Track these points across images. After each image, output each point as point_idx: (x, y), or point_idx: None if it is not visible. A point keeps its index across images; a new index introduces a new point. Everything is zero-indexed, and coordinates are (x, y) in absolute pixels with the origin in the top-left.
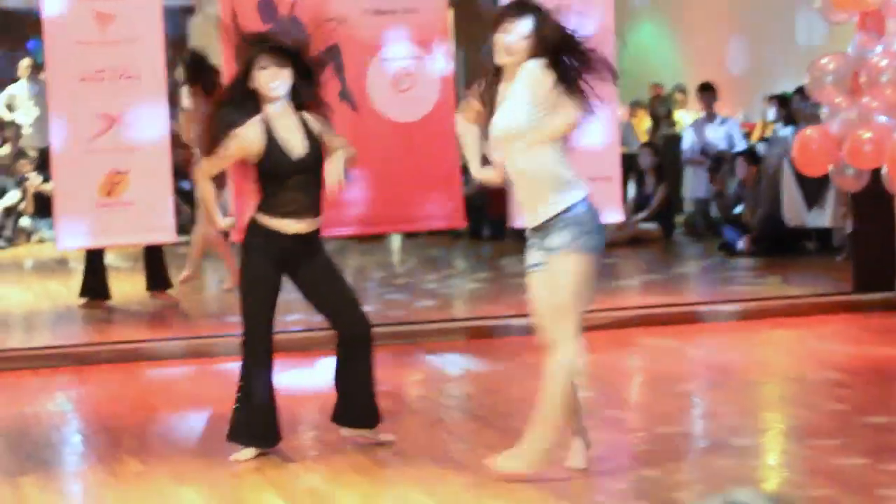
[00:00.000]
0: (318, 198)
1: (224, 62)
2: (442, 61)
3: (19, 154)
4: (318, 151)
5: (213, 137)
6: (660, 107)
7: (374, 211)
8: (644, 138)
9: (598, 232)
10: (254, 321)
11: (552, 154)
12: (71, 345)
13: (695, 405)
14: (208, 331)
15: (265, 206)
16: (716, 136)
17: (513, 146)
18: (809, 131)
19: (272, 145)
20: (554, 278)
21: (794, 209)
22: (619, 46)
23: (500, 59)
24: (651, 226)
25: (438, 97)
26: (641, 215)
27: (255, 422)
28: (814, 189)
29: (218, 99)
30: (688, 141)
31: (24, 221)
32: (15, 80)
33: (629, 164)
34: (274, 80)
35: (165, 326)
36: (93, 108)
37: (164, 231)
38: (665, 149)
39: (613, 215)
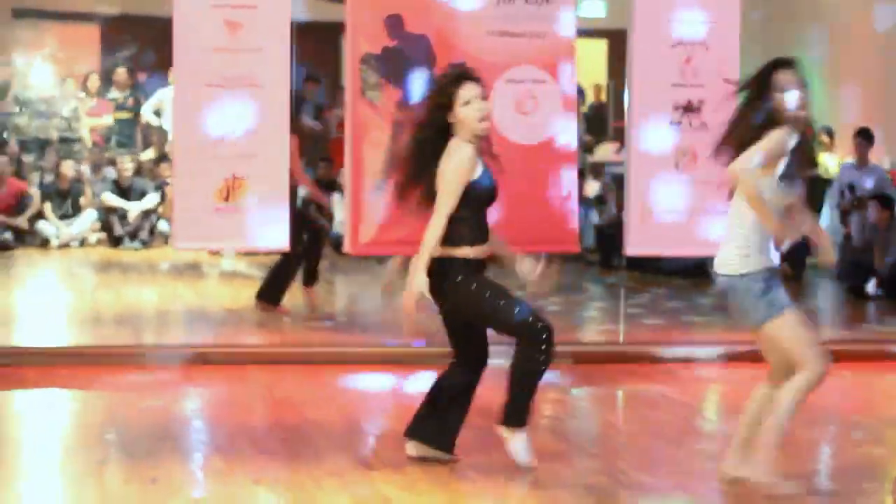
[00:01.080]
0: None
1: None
2: (566, 86)
3: (162, 158)
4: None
5: (417, 170)
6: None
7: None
8: None
9: None
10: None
11: None
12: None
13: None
14: (320, 339)
15: (460, 238)
16: (867, 182)
17: None
18: None
19: (480, 175)
20: None
21: None
22: None
23: (800, 112)
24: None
25: (560, 122)
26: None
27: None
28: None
29: (418, 131)
30: (840, 185)
31: (162, 225)
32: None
33: None
34: (482, 112)
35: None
36: (217, 114)
37: (277, 239)
38: (807, 190)
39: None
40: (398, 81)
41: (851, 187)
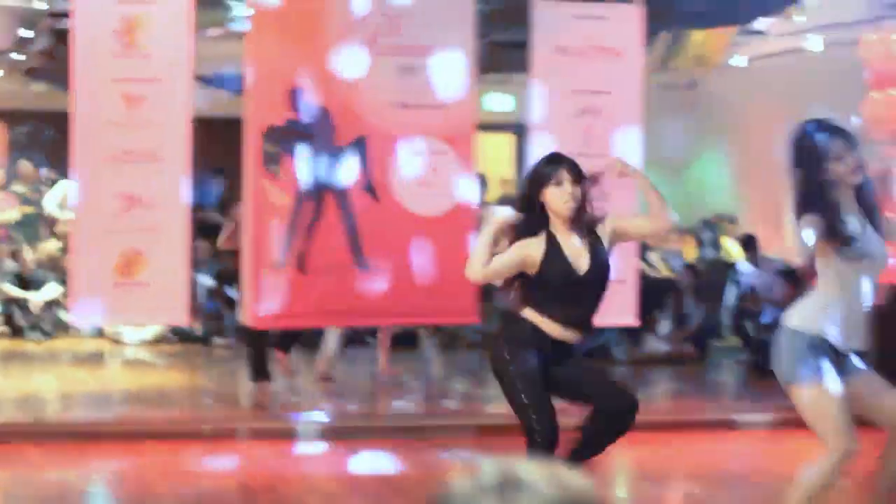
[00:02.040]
0: (590, 315)
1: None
2: (467, 158)
3: (65, 249)
4: (601, 270)
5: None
6: (706, 232)
7: (390, 303)
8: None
9: None
10: (540, 413)
11: None
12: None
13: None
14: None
15: (536, 308)
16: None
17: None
18: None
19: (554, 257)
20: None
21: None
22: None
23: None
24: (686, 346)
25: (460, 191)
26: (679, 334)
27: None
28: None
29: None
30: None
31: (64, 315)
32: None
33: (673, 288)
34: (569, 198)
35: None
36: (115, 187)
37: (177, 313)
38: (710, 273)
39: (627, 318)
40: (299, 153)
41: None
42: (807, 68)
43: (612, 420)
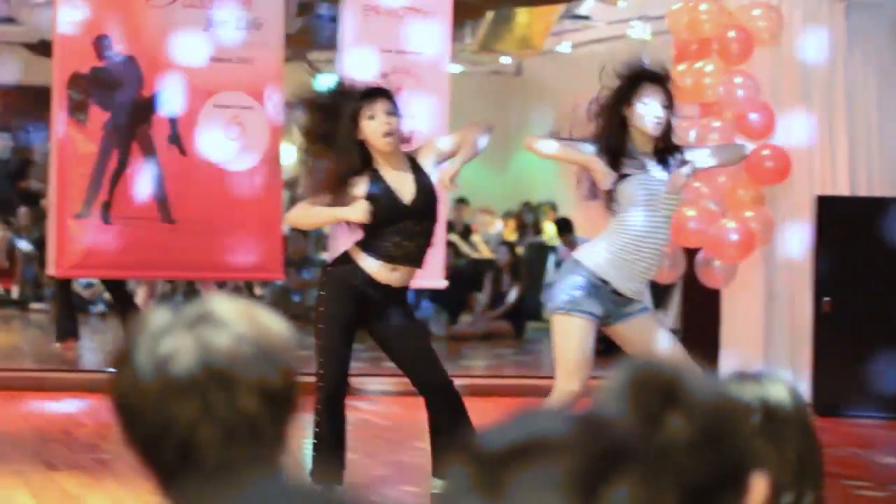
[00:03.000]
0: (423, 248)
1: None
2: (273, 112)
3: None
4: (427, 198)
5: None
6: (527, 215)
7: (195, 257)
8: None
9: None
10: (329, 359)
11: None
12: None
13: None
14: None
15: (364, 246)
16: None
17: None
18: None
19: (379, 191)
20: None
21: None
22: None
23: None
24: (502, 323)
25: (267, 148)
26: (495, 312)
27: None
28: (658, 292)
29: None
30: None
31: None
32: None
33: (490, 267)
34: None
35: None
36: None
37: None
38: (530, 255)
39: (436, 281)
40: (106, 102)
41: None
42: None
43: (431, 397)
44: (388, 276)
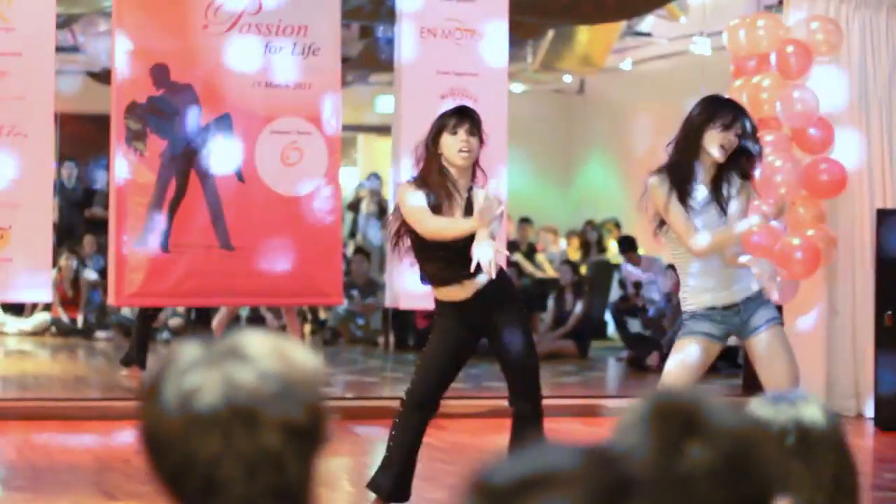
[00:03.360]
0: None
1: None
2: (331, 137)
3: None
4: None
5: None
6: (591, 233)
7: (255, 283)
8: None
9: None
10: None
11: None
12: None
13: None
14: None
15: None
16: (644, 276)
17: None
18: None
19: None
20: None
21: None
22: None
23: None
24: (566, 342)
25: (325, 172)
26: (559, 332)
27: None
28: None
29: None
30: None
31: None
32: None
33: (554, 286)
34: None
35: None
36: None
37: (40, 292)
38: (593, 273)
39: None
40: (163, 130)
41: (636, 284)
42: (693, 71)
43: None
44: (457, 295)
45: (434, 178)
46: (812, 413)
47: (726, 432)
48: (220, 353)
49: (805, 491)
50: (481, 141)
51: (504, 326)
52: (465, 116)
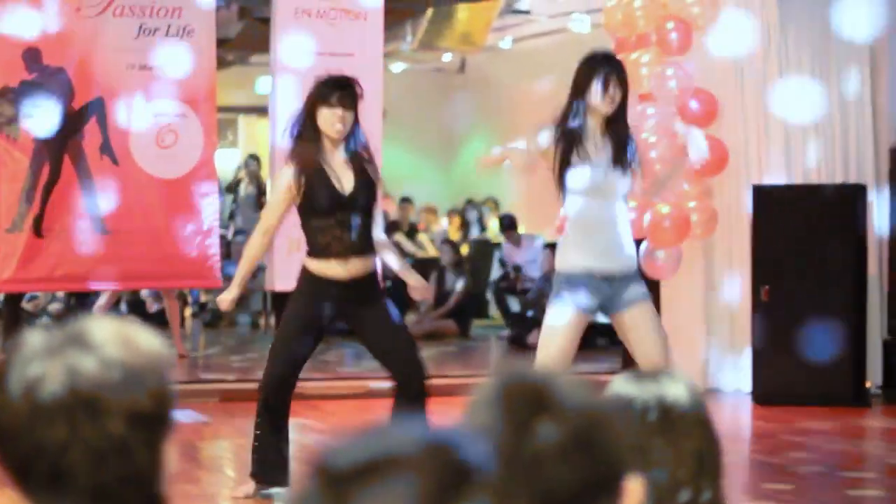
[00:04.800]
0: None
1: None
2: (207, 119)
3: None
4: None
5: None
6: (471, 212)
7: (131, 267)
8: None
9: None
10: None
11: None
12: None
13: None
14: None
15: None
16: (521, 256)
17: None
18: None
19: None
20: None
21: None
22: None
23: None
24: (447, 322)
25: (201, 155)
26: (440, 311)
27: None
28: None
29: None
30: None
31: None
32: None
33: (435, 266)
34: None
35: None
36: None
37: None
38: (474, 252)
39: None
40: (36, 115)
41: (516, 268)
42: (573, 49)
43: (403, 391)
44: (339, 273)
45: (306, 151)
46: (675, 390)
47: (576, 411)
48: (64, 341)
49: (667, 467)
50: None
51: (374, 321)
52: (345, 91)
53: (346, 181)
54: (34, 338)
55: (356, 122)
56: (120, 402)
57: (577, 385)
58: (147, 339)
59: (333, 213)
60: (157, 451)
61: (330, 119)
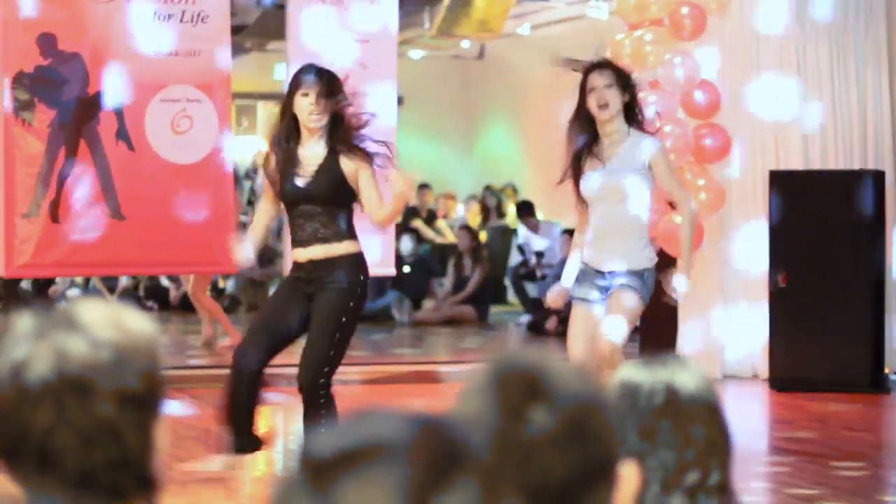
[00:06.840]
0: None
1: None
2: (222, 105)
3: None
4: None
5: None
6: (490, 198)
7: (146, 252)
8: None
9: None
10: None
11: None
12: None
13: None
14: None
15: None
16: (540, 243)
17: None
18: None
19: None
20: None
21: None
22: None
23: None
24: (466, 308)
25: (216, 140)
26: (458, 297)
27: None
28: None
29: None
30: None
31: None
32: None
33: (453, 252)
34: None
35: None
36: None
37: None
38: (492, 238)
39: (387, 269)
40: (52, 100)
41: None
42: (591, 35)
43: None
44: (300, 255)
45: (282, 141)
46: (683, 376)
47: (569, 398)
48: (52, 324)
49: (674, 448)
50: (337, 100)
51: (316, 310)
52: (317, 79)
53: (306, 174)
54: (21, 321)
55: (343, 118)
56: (110, 385)
57: (571, 372)
58: (137, 321)
59: (296, 205)
60: (148, 433)
61: (306, 108)
